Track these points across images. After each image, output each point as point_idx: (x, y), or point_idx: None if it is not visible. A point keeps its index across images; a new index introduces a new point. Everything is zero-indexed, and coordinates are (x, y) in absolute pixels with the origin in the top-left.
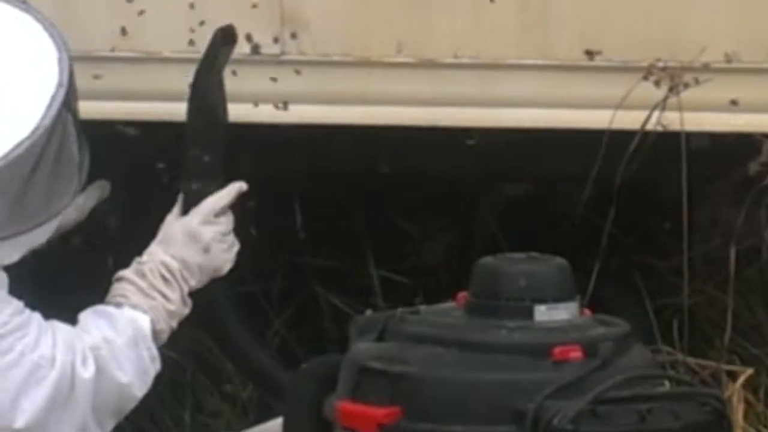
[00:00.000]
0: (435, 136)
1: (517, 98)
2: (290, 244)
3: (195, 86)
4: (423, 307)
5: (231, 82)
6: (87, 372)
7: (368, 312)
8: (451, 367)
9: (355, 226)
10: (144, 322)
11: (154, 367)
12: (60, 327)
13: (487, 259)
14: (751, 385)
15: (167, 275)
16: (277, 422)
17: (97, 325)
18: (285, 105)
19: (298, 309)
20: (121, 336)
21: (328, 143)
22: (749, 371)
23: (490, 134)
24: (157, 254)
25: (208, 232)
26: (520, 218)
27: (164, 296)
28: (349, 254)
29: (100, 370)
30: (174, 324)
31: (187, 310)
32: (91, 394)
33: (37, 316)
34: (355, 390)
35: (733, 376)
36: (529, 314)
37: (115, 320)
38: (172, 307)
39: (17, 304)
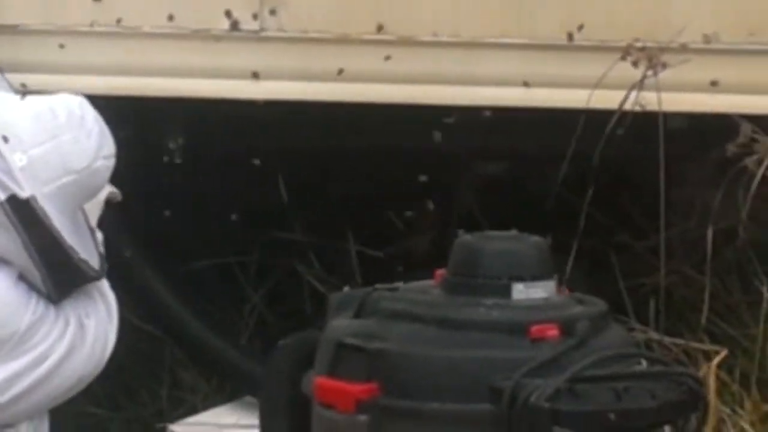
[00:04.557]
0: (413, 115)
1: (496, 77)
2: (270, 218)
3: None
4: (401, 284)
5: (211, 58)
6: (91, 321)
7: (346, 288)
8: (429, 344)
9: (334, 203)
10: None
11: None
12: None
13: (466, 237)
14: (726, 366)
15: None
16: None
17: None
18: (264, 81)
19: (276, 284)
20: None
21: (307, 120)
22: (723, 352)
23: (469, 113)
24: None
25: None
26: (498, 197)
27: None
28: (329, 231)
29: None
30: None
31: None
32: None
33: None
34: (333, 366)
35: (708, 356)
36: (507, 292)
37: None
38: None
39: (36, 294)
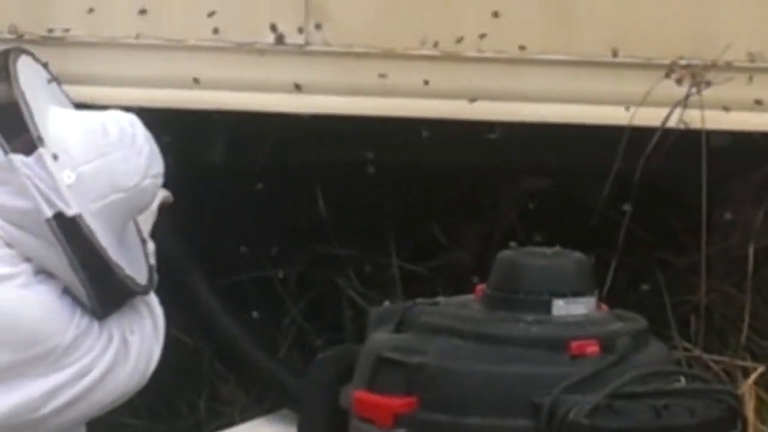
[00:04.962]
0: (457, 130)
1: (539, 93)
2: (311, 232)
3: None
4: (441, 299)
5: (255, 71)
6: (135, 337)
7: (386, 302)
8: (468, 359)
9: (377, 217)
10: None
11: None
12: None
13: (507, 253)
14: (765, 384)
15: None
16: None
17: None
18: (307, 95)
19: (316, 298)
20: None
21: (350, 135)
22: (761, 368)
23: (512, 128)
24: None
25: None
26: (540, 213)
27: None
28: (370, 245)
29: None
30: None
31: None
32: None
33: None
34: (372, 380)
35: (747, 373)
36: (547, 308)
37: None
38: None
39: (81, 308)
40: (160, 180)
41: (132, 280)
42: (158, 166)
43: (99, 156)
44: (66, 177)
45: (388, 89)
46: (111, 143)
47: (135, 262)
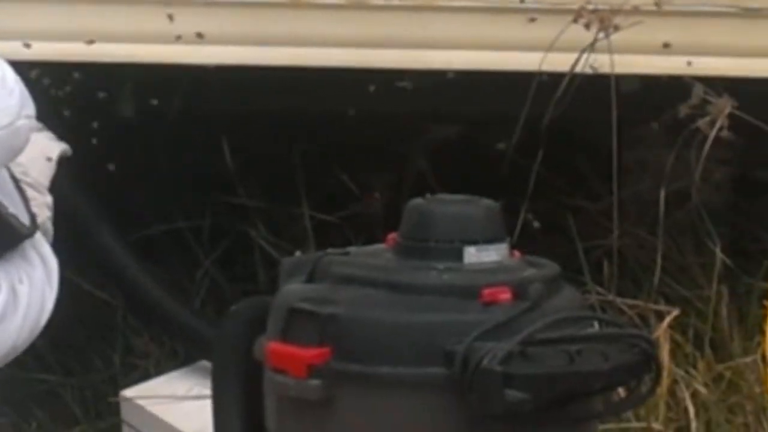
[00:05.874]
0: (366, 79)
1: (447, 40)
2: (222, 183)
3: None
4: (352, 249)
5: (162, 24)
6: (24, 287)
7: (298, 253)
8: (380, 308)
9: (287, 167)
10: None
11: None
12: None
13: (417, 201)
14: (679, 327)
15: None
16: (206, 363)
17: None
18: (212, 46)
19: (228, 249)
20: None
21: (258, 85)
22: (675, 311)
23: (420, 76)
24: None
25: None
26: (450, 160)
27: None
28: (282, 195)
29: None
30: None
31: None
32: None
33: None
34: (285, 331)
35: (661, 317)
36: (459, 256)
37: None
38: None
39: None
40: (32, 122)
41: (16, 218)
42: (30, 108)
43: None
44: None
45: (295, 39)
46: None
47: (15, 205)
